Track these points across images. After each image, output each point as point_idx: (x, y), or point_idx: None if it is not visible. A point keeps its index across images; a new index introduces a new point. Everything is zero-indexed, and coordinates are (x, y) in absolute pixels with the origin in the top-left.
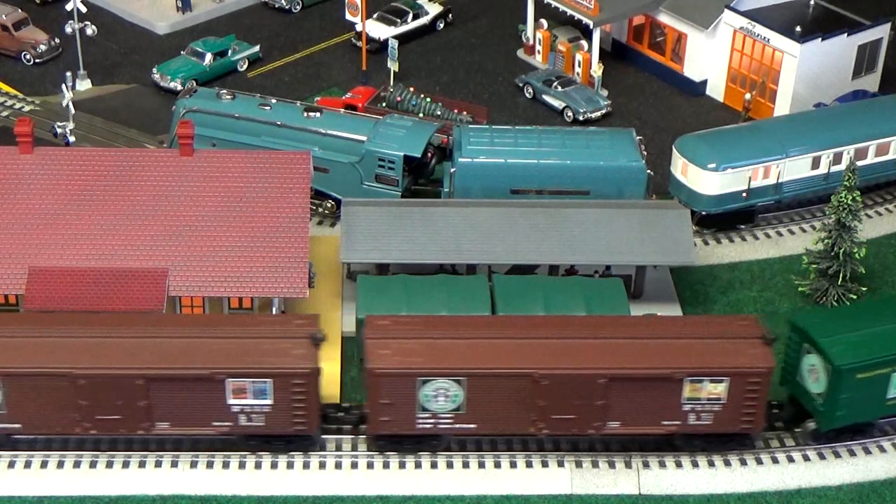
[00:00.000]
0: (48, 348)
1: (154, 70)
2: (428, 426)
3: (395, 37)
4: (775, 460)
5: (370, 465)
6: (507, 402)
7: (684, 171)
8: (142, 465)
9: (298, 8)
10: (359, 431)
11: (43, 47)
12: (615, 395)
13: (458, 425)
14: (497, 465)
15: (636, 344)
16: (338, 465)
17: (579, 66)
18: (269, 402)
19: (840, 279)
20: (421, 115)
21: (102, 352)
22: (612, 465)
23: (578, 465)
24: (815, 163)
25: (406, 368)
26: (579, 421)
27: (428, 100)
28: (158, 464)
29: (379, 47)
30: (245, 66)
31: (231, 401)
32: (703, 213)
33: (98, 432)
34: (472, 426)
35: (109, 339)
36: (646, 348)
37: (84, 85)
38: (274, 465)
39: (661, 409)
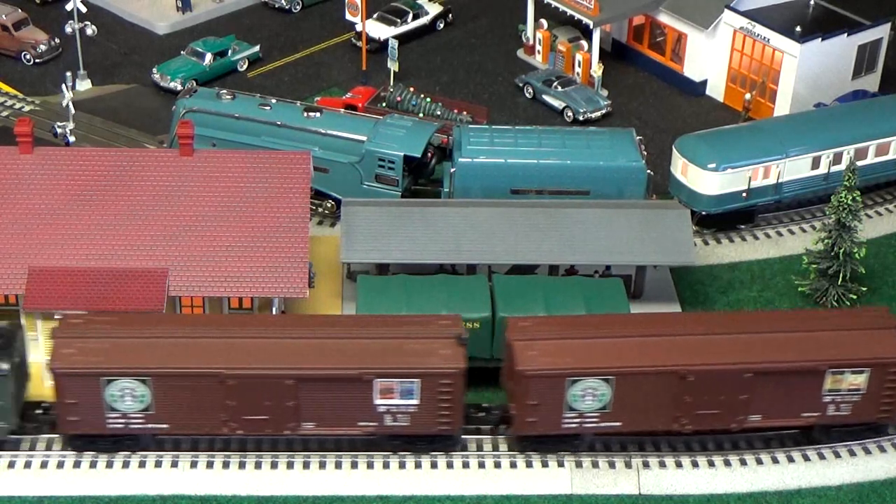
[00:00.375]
0: (197, 349)
1: (154, 70)
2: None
3: (395, 37)
4: (775, 460)
5: (370, 465)
6: (654, 400)
7: (684, 171)
8: (142, 465)
9: (298, 8)
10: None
11: (43, 47)
12: (759, 389)
13: (603, 424)
14: (497, 465)
15: (779, 338)
16: (338, 465)
17: (579, 66)
18: (415, 402)
19: (840, 279)
20: (421, 115)
21: (252, 352)
22: (612, 465)
23: (578, 465)
24: (815, 163)
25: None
26: (723, 416)
27: (428, 100)
28: (158, 464)
29: (379, 47)
30: (245, 66)
31: (378, 401)
32: (703, 213)
33: (244, 432)
34: (617, 424)
35: (258, 340)
36: (788, 342)
37: (84, 85)
38: (274, 465)
39: (802, 402)
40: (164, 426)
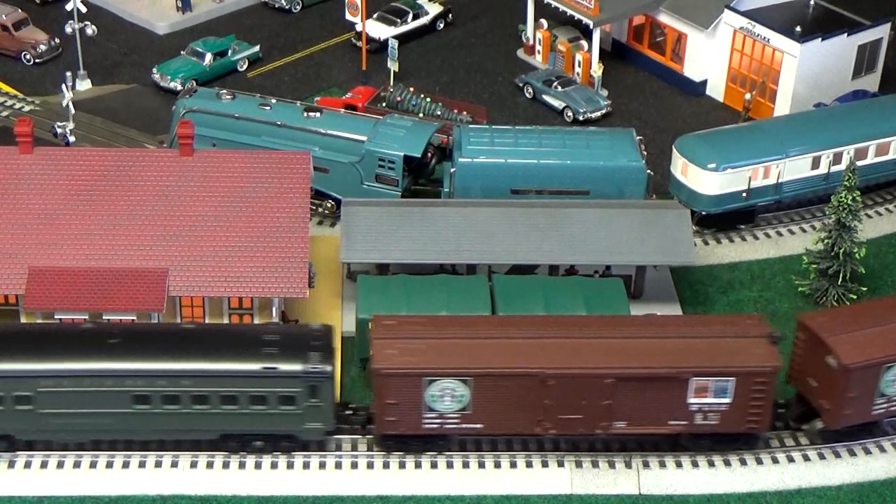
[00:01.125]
0: (517, 349)
1: (154, 70)
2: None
3: (395, 37)
4: (775, 460)
5: (370, 465)
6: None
7: (684, 171)
8: (142, 465)
9: (298, 8)
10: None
11: (43, 47)
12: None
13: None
14: (497, 465)
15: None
16: (338, 465)
17: (579, 66)
18: (727, 400)
19: (840, 279)
20: (421, 115)
21: (571, 352)
22: (612, 465)
23: (578, 465)
24: (815, 163)
25: None
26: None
27: (428, 100)
28: (158, 464)
29: (379, 47)
30: (245, 66)
31: (691, 400)
32: (703, 213)
33: (557, 432)
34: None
35: (575, 340)
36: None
37: (84, 85)
38: (274, 465)
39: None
40: (479, 426)
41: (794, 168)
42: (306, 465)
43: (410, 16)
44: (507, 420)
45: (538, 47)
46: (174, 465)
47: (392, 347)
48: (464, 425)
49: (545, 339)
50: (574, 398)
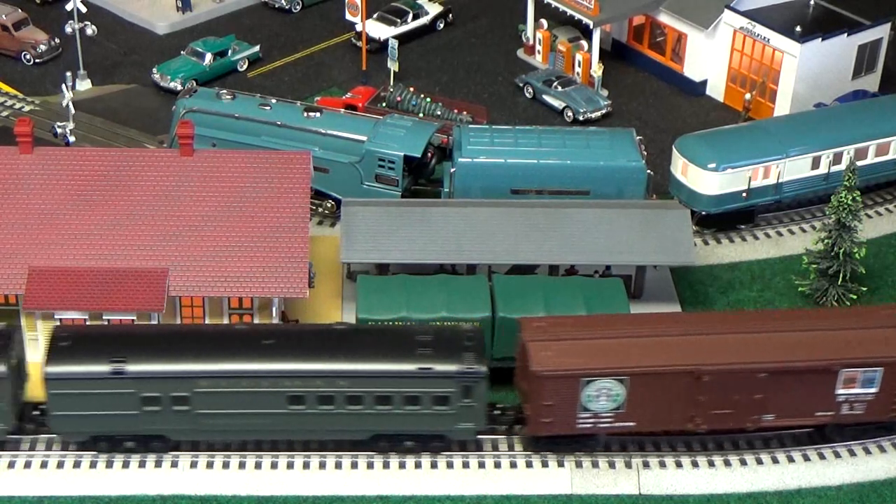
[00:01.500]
0: (671, 346)
1: (154, 70)
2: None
3: (395, 37)
4: (775, 460)
5: (370, 465)
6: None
7: (684, 171)
8: (142, 465)
9: (298, 8)
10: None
11: (43, 47)
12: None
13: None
14: (497, 465)
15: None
16: (338, 465)
17: (579, 66)
18: (873, 390)
19: (840, 279)
20: (421, 115)
21: (724, 348)
22: (612, 465)
23: (578, 465)
24: (815, 163)
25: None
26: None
27: (428, 100)
28: (158, 464)
29: (379, 47)
30: (245, 66)
31: (839, 391)
32: (703, 213)
33: (707, 426)
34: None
35: (727, 335)
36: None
37: (84, 85)
38: (274, 465)
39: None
40: (631, 424)
41: (794, 168)
42: (306, 465)
43: (410, 16)
44: (659, 417)
45: (538, 47)
46: (174, 465)
47: (548, 349)
48: (616, 424)
49: (697, 335)
50: (727, 393)
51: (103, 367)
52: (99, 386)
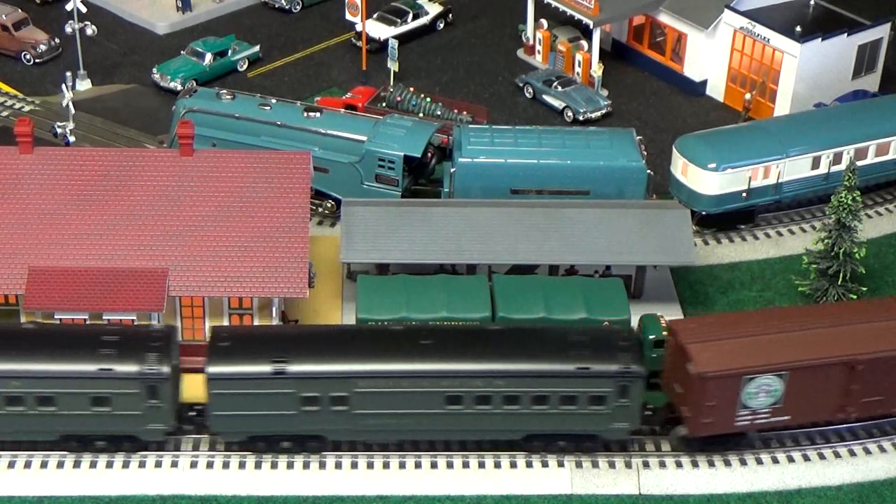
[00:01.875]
0: (826, 338)
1: (154, 70)
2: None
3: (395, 37)
4: (775, 460)
5: (370, 465)
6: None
7: (684, 171)
8: (142, 465)
9: (298, 8)
10: None
11: (43, 47)
12: None
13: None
14: (497, 465)
15: None
16: (338, 465)
17: (579, 66)
18: None
19: (840, 279)
20: (421, 115)
21: (876, 336)
22: (612, 465)
23: (578, 465)
24: (815, 163)
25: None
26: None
27: (428, 100)
28: (158, 464)
29: (379, 47)
30: (245, 66)
31: None
32: (703, 213)
33: (858, 415)
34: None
35: (876, 324)
36: None
37: (84, 85)
38: (274, 465)
39: None
40: (786, 418)
41: (794, 168)
42: (306, 465)
43: (410, 16)
44: (813, 409)
45: (538, 47)
46: (174, 465)
47: (707, 350)
48: (772, 419)
49: (848, 325)
50: (879, 381)
51: (265, 368)
52: (259, 386)
